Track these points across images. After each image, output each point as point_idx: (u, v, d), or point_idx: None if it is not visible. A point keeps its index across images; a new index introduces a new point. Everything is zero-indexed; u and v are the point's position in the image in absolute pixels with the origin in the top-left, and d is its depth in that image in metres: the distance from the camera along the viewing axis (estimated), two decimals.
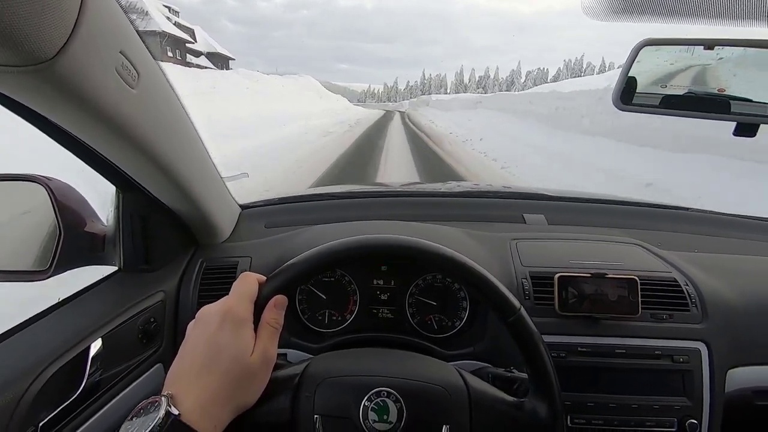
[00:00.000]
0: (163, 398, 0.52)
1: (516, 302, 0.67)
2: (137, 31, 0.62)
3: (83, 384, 0.75)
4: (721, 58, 0.86)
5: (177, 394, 0.53)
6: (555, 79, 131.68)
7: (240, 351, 0.58)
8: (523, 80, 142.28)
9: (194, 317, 0.98)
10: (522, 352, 0.68)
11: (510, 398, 0.68)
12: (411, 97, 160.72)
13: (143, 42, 0.64)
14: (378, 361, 0.72)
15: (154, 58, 0.68)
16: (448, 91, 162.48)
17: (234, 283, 0.64)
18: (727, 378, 0.94)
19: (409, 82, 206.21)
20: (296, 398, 0.64)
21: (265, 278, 0.66)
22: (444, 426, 0.63)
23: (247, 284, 0.64)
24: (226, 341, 0.58)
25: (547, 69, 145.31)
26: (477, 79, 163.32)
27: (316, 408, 0.63)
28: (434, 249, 0.69)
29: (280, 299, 0.64)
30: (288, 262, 0.67)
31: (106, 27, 0.53)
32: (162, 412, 0.51)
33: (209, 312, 0.61)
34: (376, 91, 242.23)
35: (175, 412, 0.51)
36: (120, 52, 0.57)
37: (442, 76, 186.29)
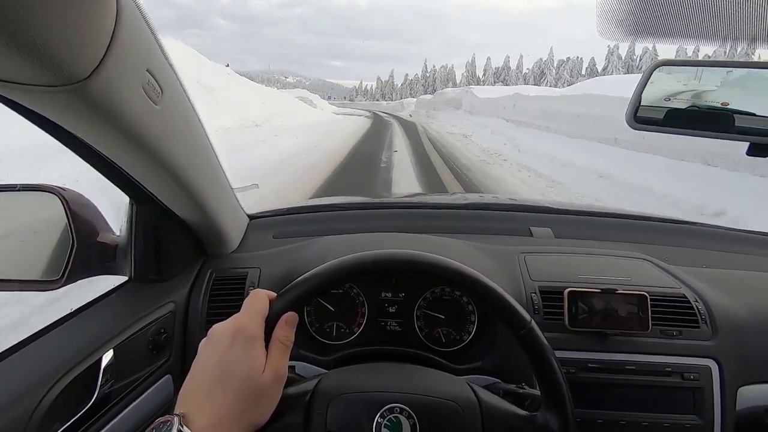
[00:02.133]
0: (175, 417, 0.52)
1: (526, 315, 0.68)
2: (161, 48, 0.63)
3: (95, 395, 0.75)
4: (729, 74, 0.87)
5: (189, 413, 0.53)
6: (590, 71, 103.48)
7: (251, 368, 0.58)
8: (555, 71, 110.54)
9: (203, 328, 1.00)
10: (533, 366, 0.68)
11: (522, 412, 0.68)
12: (411, 94, 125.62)
13: (166, 58, 0.65)
14: (390, 377, 0.72)
15: (175, 74, 0.69)
16: (458, 84, 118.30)
17: (245, 300, 0.64)
18: (738, 396, 0.93)
19: (407, 75, 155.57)
20: (308, 416, 0.64)
21: (275, 294, 0.66)
22: None
23: (258, 301, 0.64)
24: (237, 359, 0.58)
25: (582, 58, 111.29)
26: (494, 70, 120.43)
27: (328, 425, 0.63)
28: (444, 263, 0.69)
29: (291, 316, 0.64)
30: (299, 278, 0.67)
31: (136, 46, 0.54)
32: None
33: (220, 330, 0.61)
34: (368, 88, 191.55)
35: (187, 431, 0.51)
36: (147, 70, 0.58)
37: (449, 68, 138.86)
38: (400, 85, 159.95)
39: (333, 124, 22.77)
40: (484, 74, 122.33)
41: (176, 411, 0.54)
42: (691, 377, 0.92)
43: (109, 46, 0.47)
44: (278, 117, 18.86)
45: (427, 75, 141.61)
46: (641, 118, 0.90)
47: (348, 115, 39.96)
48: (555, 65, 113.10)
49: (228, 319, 0.61)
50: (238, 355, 0.58)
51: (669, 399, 0.92)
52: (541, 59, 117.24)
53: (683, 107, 0.90)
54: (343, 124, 24.09)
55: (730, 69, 0.86)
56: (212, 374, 0.57)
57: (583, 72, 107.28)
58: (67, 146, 0.66)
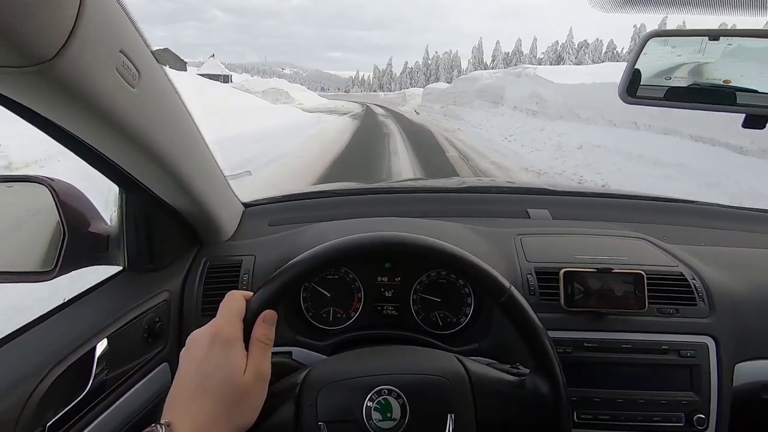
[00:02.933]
0: (159, 426, 0.53)
1: (506, 282, 0.68)
2: (138, 30, 0.61)
3: (90, 384, 0.76)
4: (729, 47, 0.85)
5: (173, 421, 0.54)
6: (611, 56, 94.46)
7: (231, 371, 0.58)
8: (575, 55, 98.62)
9: (198, 316, 1.00)
10: (518, 332, 0.68)
11: (511, 378, 0.69)
12: (412, 84, 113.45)
13: (144, 41, 0.64)
14: (377, 360, 0.72)
15: (154, 57, 0.67)
16: (464, 71, 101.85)
17: (221, 303, 0.64)
18: (735, 372, 0.93)
19: (407, 63, 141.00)
20: (299, 408, 0.64)
21: (252, 294, 0.66)
22: (449, 415, 0.64)
23: (233, 302, 0.64)
24: (216, 363, 0.58)
25: (602, 40, 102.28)
26: (504, 55, 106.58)
27: (319, 415, 0.63)
28: (420, 241, 0.69)
29: (269, 314, 0.64)
30: (273, 274, 0.67)
31: (106, 26, 0.53)
32: None
33: (198, 336, 0.61)
34: (366, 78, 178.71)
35: None
36: (120, 51, 0.56)
37: (453, 54, 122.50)
38: (399, 74, 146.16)
39: (278, 140, 12.03)
40: (492, 60, 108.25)
41: (162, 420, 0.55)
42: (688, 354, 0.92)
43: (74, 25, 0.46)
44: None
45: (429, 63, 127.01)
46: (638, 94, 0.88)
47: (329, 112, 28.03)
48: (576, 48, 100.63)
49: (205, 325, 0.62)
50: (217, 359, 0.58)
51: (666, 376, 0.93)
52: (557, 42, 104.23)
53: (684, 85, 0.89)
54: (298, 141, 12.46)
55: (723, 40, 0.86)
56: (193, 381, 0.58)
57: (602, 56, 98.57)
58: (46, 133, 0.65)
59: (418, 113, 29.84)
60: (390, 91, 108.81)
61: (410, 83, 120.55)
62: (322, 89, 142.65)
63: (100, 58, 0.53)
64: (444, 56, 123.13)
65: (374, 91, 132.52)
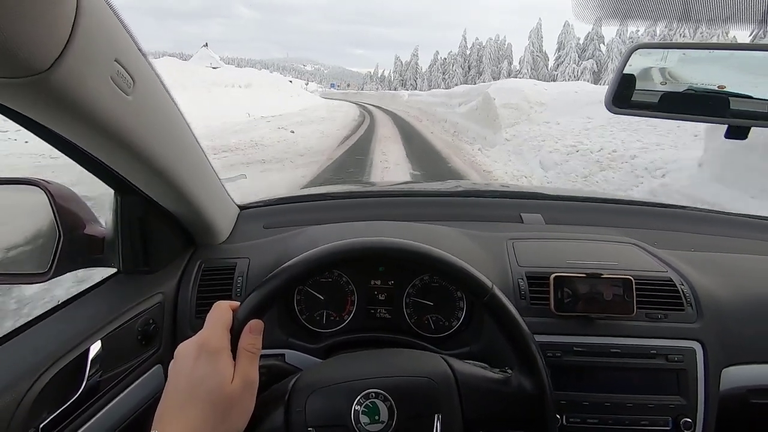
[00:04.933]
0: None
1: (487, 281, 0.69)
2: (132, 38, 0.62)
3: (83, 385, 0.77)
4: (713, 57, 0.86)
5: (162, 431, 0.55)
6: None
7: (219, 381, 0.59)
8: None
9: (192, 318, 1.01)
10: (501, 330, 0.70)
11: (496, 375, 0.71)
12: (445, 81, 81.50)
13: (138, 48, 0.64)
14: (364, 364, 0.73)
15: (149, 64, 0.68)
16: (518, 66, 73.01)
17: (208, 314, 0.65)
18: (721, 376, 0.94)
19: (438, 53, 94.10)
20: (288, 415, 0.65)
21: (238, 304, 0.67)
22: (436, 415, 0.65)
23: (220, 313, 0.65)
24: (203, 373, 0.59)
25: None
26: (577, 41, 65.66)
27: (308, 421, 0.64)
28: (402, 245, 0.70)
29: (255, 324, 0.65)
30: (257, 286, 0.68)
31: (101, 37, 0.54)
32: None
33: (185, 348, 0.62)
34: (386, 75, 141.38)
35: None
36: (115, 60, 0.57)
37: (501, 40, 79.18)
38: (426, 69, 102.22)
39: None
40: (559, 49, 67.38)
41: (151, 430, 0.55)
42: (676, 359, 0.93)
43: (70, 36, 0.47)
44: None
45: (468, 53, 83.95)
46: (633, 99, 0.89)
47: None
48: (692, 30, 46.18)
49: (192, 337, 0.63)
50: (204, 369, 0.59)
51: (654, 381, 0.94)
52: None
53: (680, 90, 0.90)
54: None
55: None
56: (181, 391, 0.59)
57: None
58: (42, 138, 0.66)
59: None
60: (416, 89, 73.38)
61: (444, 80, 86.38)
62: (332, 86, 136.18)
63: (95, 68, 0.53)
64: (489, 44, 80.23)
65: (395, 88, 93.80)
